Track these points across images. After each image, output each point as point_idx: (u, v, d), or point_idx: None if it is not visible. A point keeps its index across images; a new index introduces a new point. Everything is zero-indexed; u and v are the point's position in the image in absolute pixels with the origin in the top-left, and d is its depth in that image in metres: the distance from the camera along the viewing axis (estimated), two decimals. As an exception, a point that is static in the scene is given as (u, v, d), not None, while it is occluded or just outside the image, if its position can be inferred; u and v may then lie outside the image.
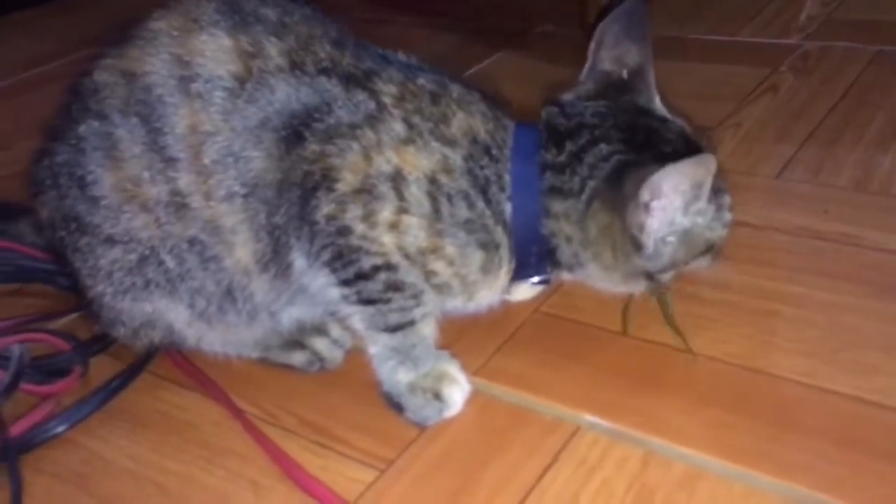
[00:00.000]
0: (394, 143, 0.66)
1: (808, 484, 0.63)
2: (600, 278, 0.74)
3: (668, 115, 0.73)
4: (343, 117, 0.66)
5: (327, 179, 0.66)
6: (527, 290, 0.84)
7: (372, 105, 0.67)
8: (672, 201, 0.67)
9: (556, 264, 0.73)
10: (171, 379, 0.81)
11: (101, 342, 0.83)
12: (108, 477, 0.71)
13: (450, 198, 0.68)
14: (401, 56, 0.74)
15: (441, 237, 0.68)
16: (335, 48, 0.70)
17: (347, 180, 0.66)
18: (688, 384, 0.74)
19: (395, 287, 0.69)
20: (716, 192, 0.69)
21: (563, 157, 0.69)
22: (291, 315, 0.78)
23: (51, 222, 0.75)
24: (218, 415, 0.76)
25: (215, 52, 0.67)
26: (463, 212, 0.68)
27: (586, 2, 1.39)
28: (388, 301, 0.69)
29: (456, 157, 0.68)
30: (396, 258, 0.68)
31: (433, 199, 0.67)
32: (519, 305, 0.85)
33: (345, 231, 0.67)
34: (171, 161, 0.68)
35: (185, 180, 0.68)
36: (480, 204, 0.69)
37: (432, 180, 0.67)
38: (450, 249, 0.68)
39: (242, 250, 0.70)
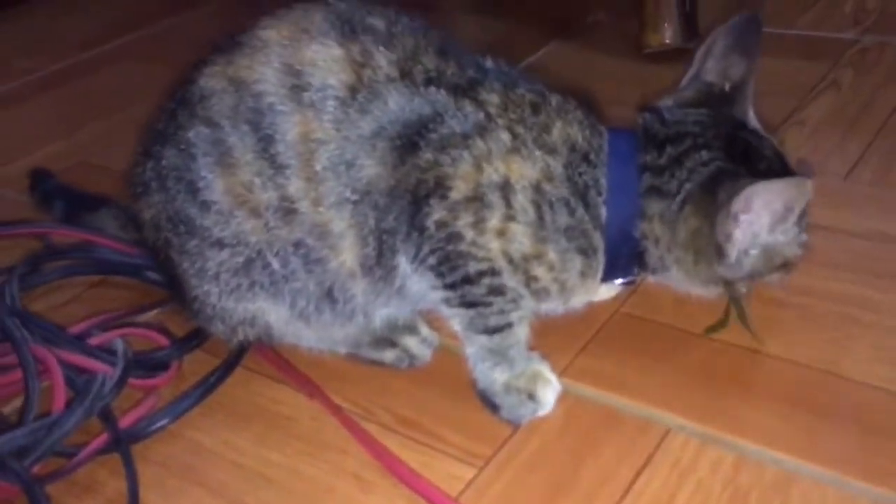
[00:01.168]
0: (501, 153, 0.68)
1: (900, 489, 0.65)
2: (680, 281, 0.77)
3: (762, 132, 0.75)
4: (455, 127, 0.68)
5: (440, 187, 0.68)
6: (607, 291, 0.86)
7: (480, 115, 0.69)
8: (760, 217, 0.70)
9: (643, 266, 0.76)
10: (265, 374, 0.84)
11: (198, 337, 0.85)
12: (215, 468, 0.74)
13: (552, 205, 0.70)
14: (490, 62, 0.75)
15: (544, 244, 0.70)
16: (440, 58, 0.71)
17: (460, 188, 0.68)
18: (774, 388, 0.76)
19: (498, 291, 0.71)
20: (800, 215, 0.71)
21: (663, 160, 0.72)
22: (382, 314, 0.80)
23: (155, 223, 0.77)
24: (314, 410, 0.79)
25: (327, 61, 0.69)
26: (564, 218, 0.70)
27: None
28: (489, 304, 0.72)
29: (557, 165, 0.70)
30: (501, 263, 0.70)
31: (537, 207, 0.69)
32: (600, 306, 0.86)
33: (455, 237, 0.69)
34: (281, 168, 0.70)
35: (294, 186, 0.70)
36: (580, 210, 0.71)
37: (537, 188, 0.69)
38: (552, 256, 0.71)
39: (348, 254, 0.72)
